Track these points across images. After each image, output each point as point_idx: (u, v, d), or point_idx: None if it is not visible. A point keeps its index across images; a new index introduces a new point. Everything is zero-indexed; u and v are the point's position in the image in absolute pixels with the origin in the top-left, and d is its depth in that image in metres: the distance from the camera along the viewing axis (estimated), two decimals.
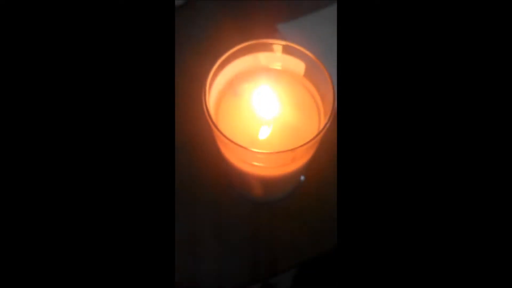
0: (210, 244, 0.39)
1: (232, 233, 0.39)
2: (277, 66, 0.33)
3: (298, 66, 0.32)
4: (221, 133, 0.27)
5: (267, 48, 0.31)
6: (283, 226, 0.40)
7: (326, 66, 0.30)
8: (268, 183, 0.36)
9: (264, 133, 0.31)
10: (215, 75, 0.30)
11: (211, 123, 0.28)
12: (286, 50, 0.32)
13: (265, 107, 0.31)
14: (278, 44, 0.31)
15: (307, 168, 0.36)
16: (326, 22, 0.48)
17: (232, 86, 0.33)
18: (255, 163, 0.31)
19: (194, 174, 0.41)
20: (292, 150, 0.27)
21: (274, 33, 0.47)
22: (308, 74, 0.32)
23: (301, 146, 0.27)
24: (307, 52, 0.30)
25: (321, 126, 0.31)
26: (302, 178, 0.41)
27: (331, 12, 0.48)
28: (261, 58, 0.32)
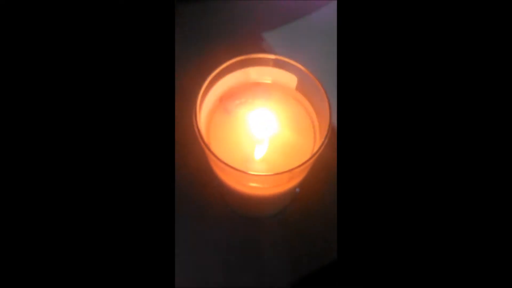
0: (206, 259, 0.38)
1: (227, 248, 0.38)
2: (268, 80, 0.32)
3: (289, 79, 0.31)
4: (216, 157, 0.26)
5: (257, 62, 0.30)
6: (281, 240, 0.39)
7: (318, 78, 0.29)
8: (264, 201, 0.35)
9: (259, 153, 0.30)
10: (205, 93, 0.29)
11: (204, 146, 0.27)
12: (277, 64, 0.31)
13: (259, 126, 0.30)
14: (268, 58, 0.30)
15: (303, 181, 0.35)
16: (312, 28, 0.47)
17: (222, 103, 0.32)
18: (252, 184, 0.30)
19: (186, 189, 0.40)
20: (289, 171, 0.26)
21: (259, 42, 0.46)
22: (300, 87, 0.31)
23: (299, 166, 0.26)
24: (299, 65, 0.30)
25: (317, 142, 0.30)
26: (297, 190, 0.40)
27: (315, 19, 0.47)
28: (251, 72, 0.31)
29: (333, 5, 0.48)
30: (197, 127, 0.27)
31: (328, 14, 0.48)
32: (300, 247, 0.38)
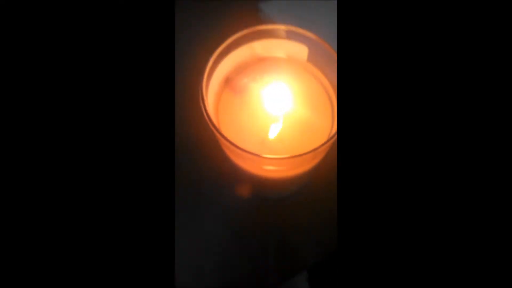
0: (217, 244, 0.36)
1: (241, 232, 0.36)
2: (276, 53, 0.30)
3: (300, 51, 0.29)
4: (228, 140, 0.24)
5: (263, 35, 0.28)
6: (298, 221, 0.37)
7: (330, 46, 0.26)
8: (280, 183, 0.32)
9: (274, 131, 0.28)
10: (210, 74, 0.27)
11: (215, 131, 0.24)
12: (284, 35, 0.28)
13: (273, 103, 0.28)
14: (275, 29, 0.28)
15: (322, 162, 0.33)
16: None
17: (229, 83, 0.29)
18: (267, 167, 0.28)
19: (196, 173, 0.38)
20: (310, 152, 0.24)
21: (256, 14, 0.43)
22: (312, 58, 0.29)
23: (319, 147, 0.24)
24: (310, 34, 0.27)
25: (335, 118, 0.28)
26: None
27: None
28: (256, 47, 0.29)
29: None
30: (206, 112, 0.25)
31: None
32: (320, 228, 0.36)
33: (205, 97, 0.25)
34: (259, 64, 0.30)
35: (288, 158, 0.24)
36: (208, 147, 0.35)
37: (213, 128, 0.25)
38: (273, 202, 0.37)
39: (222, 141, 0.25)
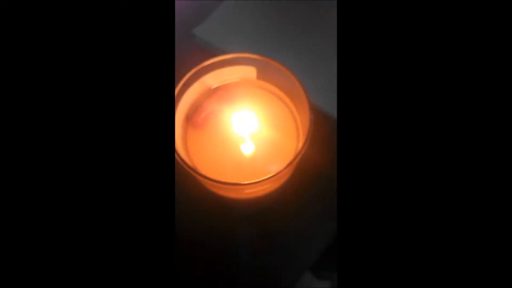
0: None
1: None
2: (229, 80, 0.30)
3: (249, 72, 0.30)
4: (202, 175, 0.25)
5: (213, 67, 0.29)
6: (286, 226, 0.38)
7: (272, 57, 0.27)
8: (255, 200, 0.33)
9: (247, 149, 0.29)
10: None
11: (194, 173, 0.25)
12: (230, 63, 0.29)
13: (238, 126, 0.29)
14: (221, 60, 0.28)
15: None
16: (239, 9, 0.45)
17: (189, 119, 0.30)
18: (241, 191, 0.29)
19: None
20: (268, 178, 0.25)
21: (192, 40, 0.44)
22: (261, 75, 0.30)
23: (286, 167, 0.25)
24: (256, 56, 0.28)
25: (300, 134, 0.29)
26: None
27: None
28: (207, 79, 0.29)
29: None
30: (177, 153, 0.25)
31: None
32: (310, 225, 0.38)
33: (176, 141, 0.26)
34: (214, 94, 0.30)
35: (255, 182, 0.25)
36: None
37: (184, 165, 0.25)
38: (255, 216, 0.38)
39: (197, 176, 0.26)
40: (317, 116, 0.26)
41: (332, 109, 0.39)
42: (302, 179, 0.34)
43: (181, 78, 0.27)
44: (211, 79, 0.29)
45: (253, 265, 0.37)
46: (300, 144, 0.28)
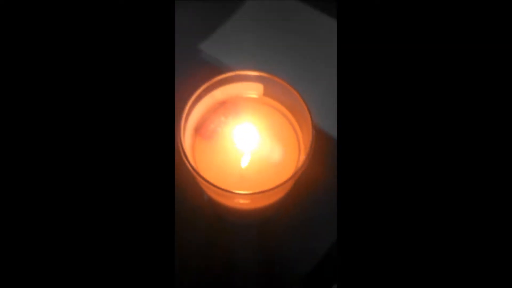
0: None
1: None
2: (236, 94, 0.32)
3: (256, 88, 0.31)
4: (205, 179, 0.27)
5: (220, 84, 0.30)
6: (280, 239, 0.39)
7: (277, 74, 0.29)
8: (249, 213, 0.35)
9: (244, 162, 0.31)
10: (184, 126, 0.29)
11: (195, 174, 0.27)
12: (237, 79, 0.31)
13: (241, 140, 0.30)
14: (228, 77, 0.30)
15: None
16: (245, 24, 0.47)
17: (198, 130, 0.32)
18: (241, 201, 0.31)
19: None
20: (267, 190, 0.27)
21: (199, 55, 0.46)
22: (268, 92, 0.32)
23: (278, 185, 0.27)
24: (263, 74, 0.30)
25: (301, 148, 0.31)
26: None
27: (244, 13, 0.48)
28: (217, 94, 0.31)
29: None
30: (187, 159, 0.27)
31: (255, 4, 0.48)
32: (304, 238, 0.39)
33: (184, 149, 0.28)
34: (222, 107, 0.32)
35: (258, 193, 0.27)
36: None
37: (193, 171, 0.27)
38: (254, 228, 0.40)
39: (202, 183, 0.28)
40: (318, 131, 0.28)
41: (331, 126, 0.41)
42: (301, 192, 0.36)
43: (189, 92, 0.29)
44: (219, 93, 0.31)
45: (253, 275, 0.38)
46: (302, 158, 0.30)
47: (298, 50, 0.46)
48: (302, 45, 0.46)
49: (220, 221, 0.40)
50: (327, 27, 0.47)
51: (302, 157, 0.30)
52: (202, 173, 0.30)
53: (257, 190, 0.27)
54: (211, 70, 0.44)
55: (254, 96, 0.32)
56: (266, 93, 0.32)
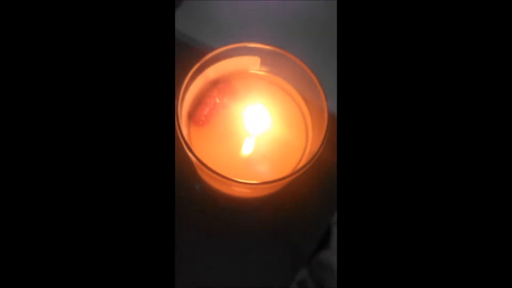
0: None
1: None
2: (230, 70, 0.29)
3: (252, 62, 0.28)
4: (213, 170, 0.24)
5: (212, 61, 0.27)
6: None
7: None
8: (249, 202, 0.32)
9: (247, 148, 0.28)
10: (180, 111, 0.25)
11: (193, 158, 0.24)
12: (230, 54, 0.27)
13: (248, 122, 0.27)
14: (223, 51, 0.26)
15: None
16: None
17: (191, 116, 0.28)
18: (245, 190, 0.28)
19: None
20: (275, 181, 0.24)
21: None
22: (265, 63, 0.28)
23: (295, 173, 0.24)
24: (260, 45, 0.26)
25: (309, 130, 0.28)
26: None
27: None
28: (209, 73, 0.27)
29: None
30: (187, 144, 0.24)
31: None
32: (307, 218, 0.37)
33: (183, 134, 0.24)
34: (215, 88, 0.28)
35: (273, 181, 0.24)
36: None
37: (192, 156, 0.24)
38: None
39: (202, 169, 0.25)
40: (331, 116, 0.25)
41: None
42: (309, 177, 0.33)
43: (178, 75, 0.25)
44: (212, 72, 0.27)
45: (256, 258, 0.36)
46: (311, 142, 0.27)
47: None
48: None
49: (218, 210, 0.37)
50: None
51: (311, 141, 0.28)
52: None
53: (262, 179, 0.24)
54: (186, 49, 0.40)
55: (251, 70, 0.29)
56: (263, 68, 0.28)
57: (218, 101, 0.28)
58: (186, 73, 0.25)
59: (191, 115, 0.28)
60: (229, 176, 0.24)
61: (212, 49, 0.26)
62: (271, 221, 0.37)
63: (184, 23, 0.41)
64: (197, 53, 0.26)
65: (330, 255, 0.38)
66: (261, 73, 0.29)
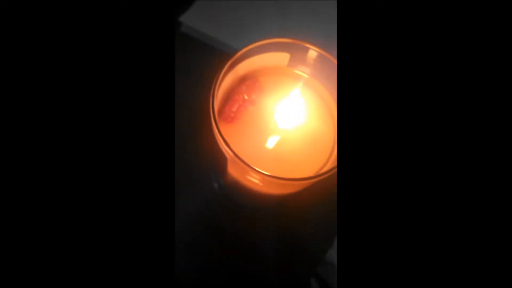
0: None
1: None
2: (258, 66, 0.28)
3: (282, 58, 0.28)
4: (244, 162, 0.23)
5: (242, 58, 0.26)
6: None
7: None
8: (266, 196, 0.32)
9: (271, 142, 0.28)
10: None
11: (230, 153, 0.24)
12: (261, 50, 0.27)
13: (278, 117, 0.27)
14: (253, 48, 0.26)
15: None
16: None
17: (220, 114, 0.28)
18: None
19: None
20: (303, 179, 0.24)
21: (179, 29, 0.41)
22: (293, 63, 0.28)
23: (321, 175, 0.24)
24: (289, 40, 0.26)
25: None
26: None
27: None
28: (239, 69, 0.27)
29: None
30: (222, 137, 0.24)
31: None
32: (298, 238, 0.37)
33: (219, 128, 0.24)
34: (243, 85, 0.28)
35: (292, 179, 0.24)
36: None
37: (229, 151, 0.24)
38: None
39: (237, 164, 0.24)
40: None
41: None
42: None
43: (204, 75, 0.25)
44: (241, 69, 0.27)
45: (271, 260, 0.36)
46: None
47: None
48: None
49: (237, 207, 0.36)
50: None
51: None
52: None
53: (288, 175, 0.24)
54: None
55: (280, 66, 0.29)
56: (291, 64, 0.28)
57: (246, 97, 0.28)
58: (220, 70, 0.25)
59: (220, 112, 0.28)
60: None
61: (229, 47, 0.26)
62: (289, 220, 0.37)
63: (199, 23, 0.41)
64: (219, 53, 0.26)
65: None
66: (291, 70, 0.29)
